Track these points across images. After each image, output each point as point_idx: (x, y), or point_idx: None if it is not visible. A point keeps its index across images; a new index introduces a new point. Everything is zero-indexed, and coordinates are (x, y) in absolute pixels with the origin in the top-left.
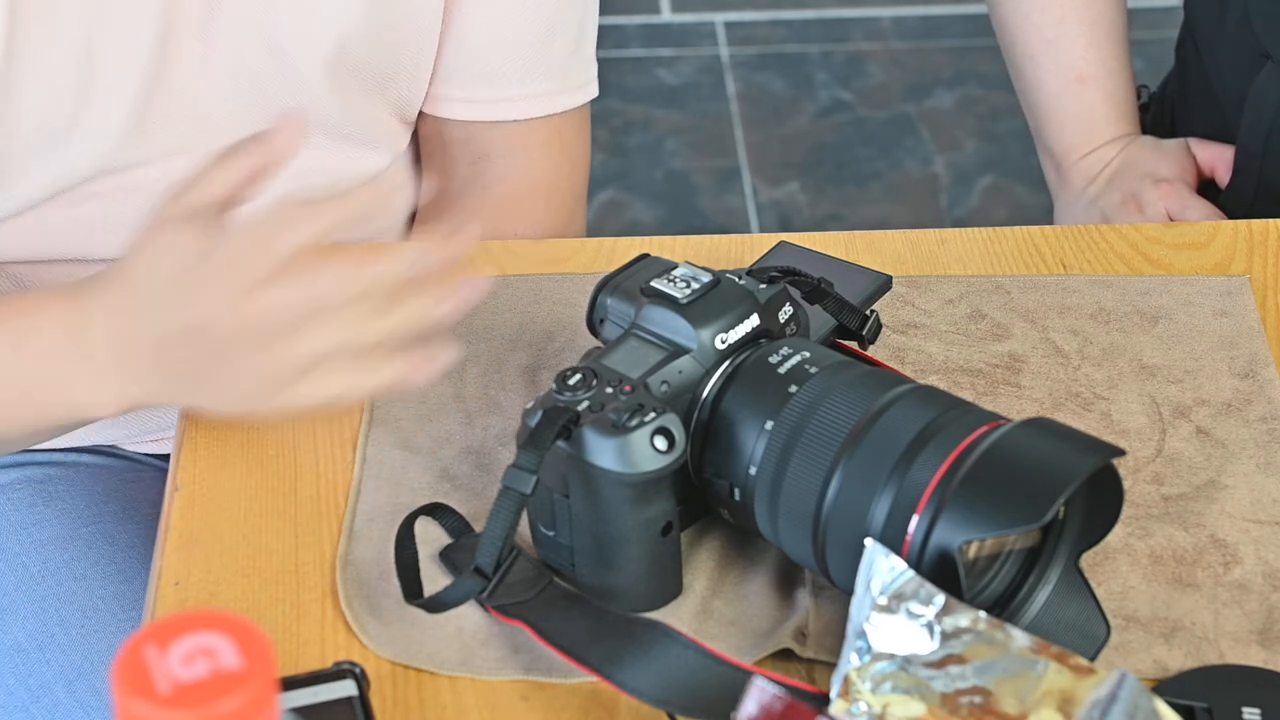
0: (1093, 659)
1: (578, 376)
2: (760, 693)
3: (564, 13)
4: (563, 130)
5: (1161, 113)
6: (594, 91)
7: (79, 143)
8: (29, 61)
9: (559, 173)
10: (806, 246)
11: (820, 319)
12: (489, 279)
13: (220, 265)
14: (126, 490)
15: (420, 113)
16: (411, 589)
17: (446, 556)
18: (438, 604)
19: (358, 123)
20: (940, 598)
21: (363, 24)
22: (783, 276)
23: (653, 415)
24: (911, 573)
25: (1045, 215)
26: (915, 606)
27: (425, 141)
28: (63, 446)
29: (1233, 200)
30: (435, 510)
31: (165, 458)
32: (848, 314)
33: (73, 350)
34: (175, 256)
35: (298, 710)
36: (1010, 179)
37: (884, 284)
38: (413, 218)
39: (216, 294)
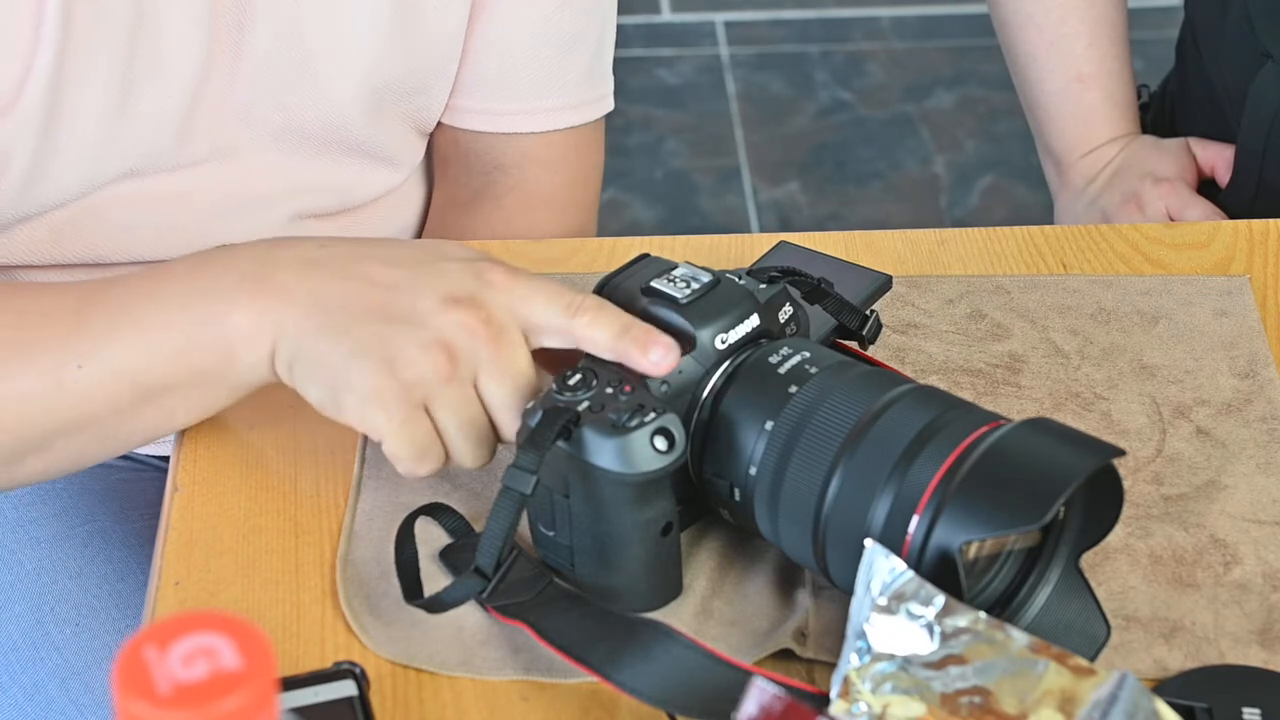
0: (1093, 659)
1: (578, 376)
2: (760, 693)
3: (584, 27)
4: (578, 143)
5: (1162, 112)
6: (609, 105)
7: (120, 144)
8: (78, 64)
9: (573, 185)
10: (806, 246)
11: (820, 319)
12: None
13: (467, 273)
14: (125, 489)
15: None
16: (411, 589)
17: (446, 556)
18: (437, 604)
19: (379, 139)
20: (940, 598)
21: (390, 43)
22: (783, 276)
23: (653, 415)
24: (911, 573)
25: (1045, 215)
26: (915, 607)
27: (439, 149)
28: None
29: (1233, 200)
30: (435, 510)
31: (166, 458)
32: (848, 314)
33: (259, 263)
34: (437, 248)
35: (298, 710)
36: (1010, 179)
37: (884, 284)
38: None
39: (443, 283)
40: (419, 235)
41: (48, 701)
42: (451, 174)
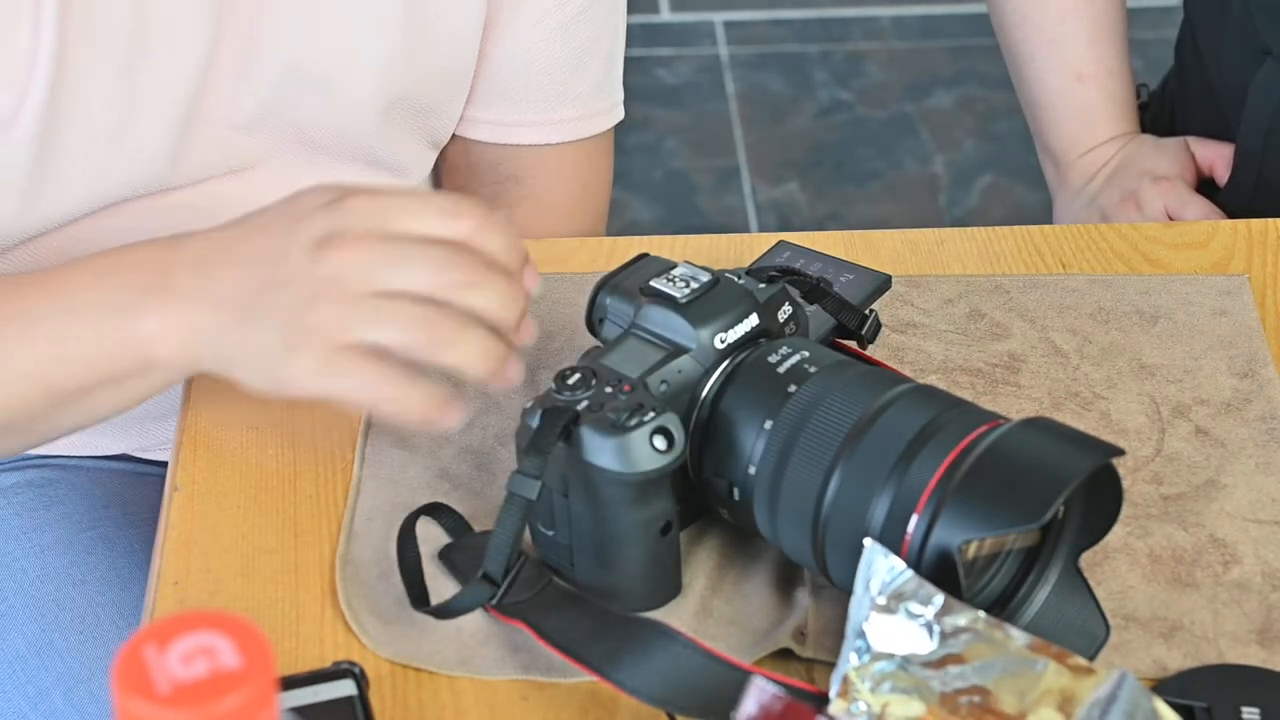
0: (1092, 659)
1: (577, 376)
2: (760, 692)
3: (595, 40)
4: (590, 154)
5: (1161, 112)
6: (620, 114)
7: (117, 166)
8: (74, 87)
9: (585, 194)
10: (806, 246)
11: (820, 319)
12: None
13: (327, 213)
14: (128, 494)
15: None
16: (419, 596)
17: (446, 556)
18: (447, 612)
19: (390, 150)
20: (939, 597)
21: (403, 60)
22: (782, 276)
23: (652, 415)
24: (910, 572)
25: (1045, 215)
26: (914, 606)
27: (449, 157)
28: (72, 454)
29: (1232, 198)
30: (435, 510)
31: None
32: (847, 313)
33: (156, 269)
34: (299, 199)
35: (297, 710)
36: (1010, 179)
37: (883, 283)
38: None
39: (307, 233)
40: None
41: (52, 709)
42: (460, 180)
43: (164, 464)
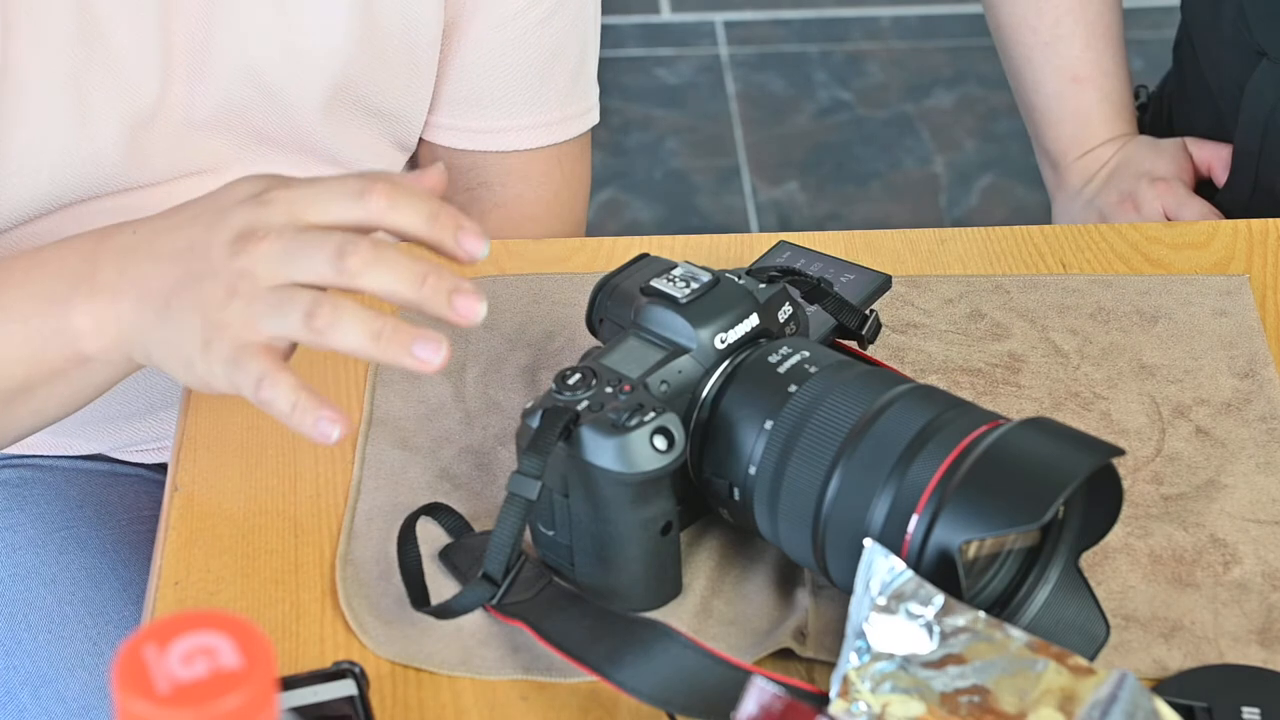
0: (1092, 659)
1: (577, 376)
2: (760, 692)
3: (564, 43)
4: (563, 159)
5: (1160, 112)
6: (595, 118)
7: (71, 167)
8: (19, 90)
9: (559, 200)
10: (806, 246)
11: (820, 319)
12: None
13: (248, 207)
14: (104, 494)
15: (419, 138)
16: (418, 596)
17: (446, 556)
18: (447, 612)
19: (352, 151)
20: (939, 597)
21: (355, 63)
22: (782, 276)
23: (652, 415)
24: (910, 573)
25: (1045, 215)
26: (914, 606)
27: (421, 163)
28: (47, 454)
29: (1229, 199)
30: (435, 510)
31: (150, 466)
32: (847, 313)
33: (86, 261)
34: (227, 192)
35: (298, 710)
36: (1010, 179)
37: (883, 283)
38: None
39: (228, 228)
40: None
41: (19, 710)
42: None
43: (140, 464)
